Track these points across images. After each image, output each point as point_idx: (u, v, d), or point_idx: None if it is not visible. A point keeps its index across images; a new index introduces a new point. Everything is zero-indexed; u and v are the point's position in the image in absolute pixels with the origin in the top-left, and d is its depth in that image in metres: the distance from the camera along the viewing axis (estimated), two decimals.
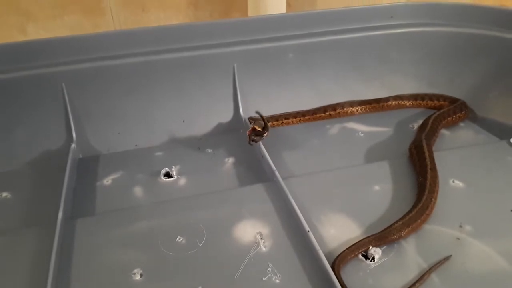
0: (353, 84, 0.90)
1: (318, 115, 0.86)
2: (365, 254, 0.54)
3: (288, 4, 1.10)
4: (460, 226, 0.58)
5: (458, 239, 0.56)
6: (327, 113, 0.87)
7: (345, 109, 0.87)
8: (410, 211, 0.58)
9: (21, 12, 1.09)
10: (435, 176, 0.64)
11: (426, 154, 0.68)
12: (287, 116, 0.85)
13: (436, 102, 0.88)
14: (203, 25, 0.83)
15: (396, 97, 0.90)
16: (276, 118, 0.84)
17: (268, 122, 0.80)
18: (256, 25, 0.84)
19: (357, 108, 0.88)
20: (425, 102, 0.89)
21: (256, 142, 0.72)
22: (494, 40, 0.85)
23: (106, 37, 0.79)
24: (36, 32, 1.12)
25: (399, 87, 0.92)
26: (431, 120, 0.79)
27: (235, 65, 0.83)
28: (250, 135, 0.72)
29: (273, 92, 0.86)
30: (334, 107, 0.87)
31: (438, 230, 0.58)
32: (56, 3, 1.09)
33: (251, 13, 1.09)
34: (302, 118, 0.86)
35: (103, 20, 1.12)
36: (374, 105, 0.89)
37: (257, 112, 0.71)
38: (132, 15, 1.13)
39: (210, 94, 0.84)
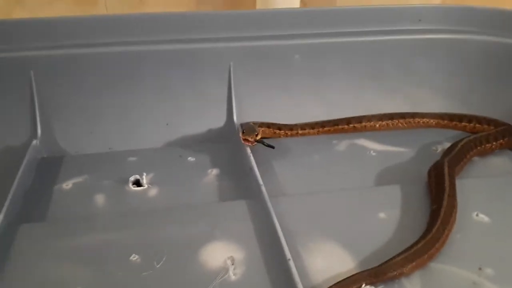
0: (370, 96, 0.86)
1: (340, 127, 0.82)
2: None
3: (304, 3, 1.07)
4: (480, 269, 0.52)
5: (475, 283, 0.50)
6: (351, 125, 0.82)
7: (372, 122, 0.83)
8: (416, 243, 0.53)
9: None
10: (452, 206, 0.59)
11: (446, 178, 0.62)
12: (303, 126, 0.81)
13: (486, 126, 0.81)
14: (198, 15, 0.80)
15: (436, 115, 0.84)
16: (291, 127, 0.80)
17: (281, 130, 0.79)
18: (259, 19, 0.81)
19: (387, 122, 0.83)
20: (472, 125, 0.82)
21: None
22: None
23: (85, 22, 0.76)
24: None
25: (425, 102, 0.87)
26: (461, 144, 0.73)
27: (232, 63, 0.80)
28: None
29: (273, 98, 0.83)
30: (359, 119, 0.83)
31: (452, 271, 0.52)
32: None
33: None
34: (321, 129, 0.82)
35: (95, 10, 1.11)
36: (409, 120, 0.84)
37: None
38: (128, 7, 1.12)
39: (201, 95, 0.81)
